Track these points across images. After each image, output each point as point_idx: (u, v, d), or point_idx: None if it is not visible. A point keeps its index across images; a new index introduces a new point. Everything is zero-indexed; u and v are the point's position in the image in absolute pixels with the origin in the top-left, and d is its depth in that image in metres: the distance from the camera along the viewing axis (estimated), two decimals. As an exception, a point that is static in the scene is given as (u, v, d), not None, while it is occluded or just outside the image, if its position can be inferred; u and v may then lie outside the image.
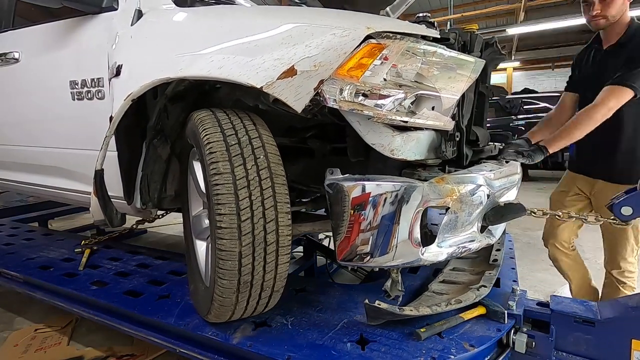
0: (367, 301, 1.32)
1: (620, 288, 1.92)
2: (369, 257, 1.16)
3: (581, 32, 10.02)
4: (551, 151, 1.71)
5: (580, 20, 7.26)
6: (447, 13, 7.58)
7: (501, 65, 12.72)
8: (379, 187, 1.11)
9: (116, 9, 1.67)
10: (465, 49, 1.37)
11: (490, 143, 1.68)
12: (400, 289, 1.36)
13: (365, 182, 1.11)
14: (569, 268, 2.20)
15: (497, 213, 1.36)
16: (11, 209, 3.63)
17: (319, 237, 2.52)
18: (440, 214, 1.20)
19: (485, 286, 1.49)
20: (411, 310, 1.32)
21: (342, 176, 1.14)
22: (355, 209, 1.11)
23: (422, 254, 1.19)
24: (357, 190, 1.11)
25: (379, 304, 1.30)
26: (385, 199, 1.11)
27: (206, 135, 1.19)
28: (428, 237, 1.25)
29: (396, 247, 1.15)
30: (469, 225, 1.29)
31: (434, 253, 1.22)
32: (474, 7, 8.73)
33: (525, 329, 1.37)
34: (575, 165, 1.78)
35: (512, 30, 7.99)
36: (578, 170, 1.91)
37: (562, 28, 8.23)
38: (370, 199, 1.11)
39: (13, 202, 4.05)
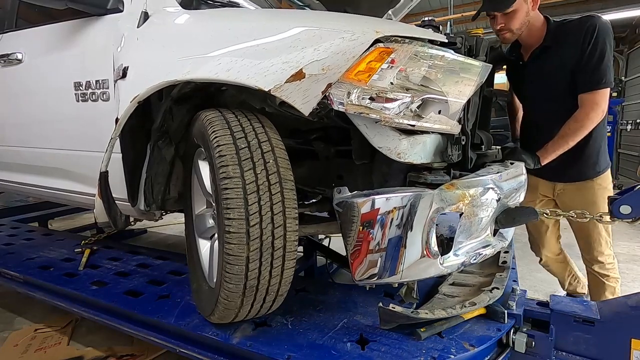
0: (381, 304, 1.31)
1: (605, 281, 1.93)
2: (387, 273, 1.15)
3: (581, 32, 10.01)
4: (544, 162, 1.72)
5: (580, 20, 7.28)
6: (447, 13, 7.56)
7: (501, 65, 12.75)
8: (391, 200, 1.10)
9: (122, 11, 1.66)
10: (471, 53, 1.37)
11: (493, 147, 1.68)
12: (415, 296, 1.35)
13: (375, 197, 1.10)
14: (561, 269, 2.25)
15: (508, 216, 1.35)
16: (11, 209, 3.63)
17: (319, 237, 2.51)
18: (441, 213, 1.19)
19: (497, 288, 1.48)
20: (426, 313, 1.31)
21: (350, 194, 1.13)
22: (364, 225, 1.10)
23: (442, 264, 1.18)
24: (367, 207, 1.09)
25: (394, 307, 1.29)
26: (398, 212, 1.10)
27: (216, 137, 1.18)
28: (444, 245, 1.25)
29: (414, 261, 1.14)
30: (482, 230, 1.29)
31: (452, 261, 1.21)
32: (474, 7, 8.73)
33: (525, 329, 1.37)
34: (533, 170, 1.76)
35: (512, 30, 8.00)
36: (537, 175, 1.90)
37: (562, 28, 8.23)
38: (384, 212, 1.10)
39: (13, 202, 4.05)
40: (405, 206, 1.11)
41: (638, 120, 7.06)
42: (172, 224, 4.08)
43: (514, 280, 1.70)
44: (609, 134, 5.22)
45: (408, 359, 1.18)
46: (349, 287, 1.76)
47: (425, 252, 1.15)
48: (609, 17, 6.87)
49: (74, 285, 1.86)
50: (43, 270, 2.06)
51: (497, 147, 1.71)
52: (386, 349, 1.22)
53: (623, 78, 8.37)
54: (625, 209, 1.41)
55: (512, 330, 1.35)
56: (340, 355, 1.21)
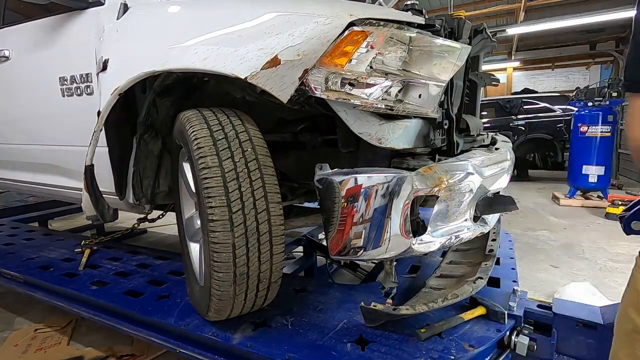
0: (362, 304, 1.32)
1: None
2: (362, 251, 1.16)
3: (581, 32, 10.01)
4: None
5: (580, 20, 7.26)
6: (447, 13, 7.59)
7: (501, 65, 12.70)
8: (369, 179, 1.11)
9: (103, 4, 1.67)
10: (453, 35, 1.36)
11: (482, 132, 1.67)
12: (394, 280, 1.35)
13: (355, 175, 1.11)
14: None
15: (486, 204, 1.36)
16: (11, 209, 3.63)
17: (319, 238, 2.51)
18: (417, 195, 1.18)
19: (481, 278, 1.49)
20: (407, 309, 1.31)
21: (331, 171, 1.15)
22: (348, 201, 1.11)
23: (414, 245, 1.19)
24: (348, 184, 1.11)
25: (375, 306, 1.30)
26: (376, 191, 1.11)
27: (193, 132, 1.20)
28: (420, 227, 1.25)
29: (389, 239, 1.15)
30: (460, 214, 1.29)
31: (426, 243, 1.22)
32: (474, 7, 8.74)
33: (526, 332, 1.36)
34: None
35: (512, 30, 8.01)
36: None
37: (562, 28, 8.24)
38: (361, 191, 1.11)
39: (13, 202, 4.05)
40: (384, 186, 1.11)
41: (638, 121, 7.05)
42: (172, 224, 4.07)
43: (514, 281, 1.69)
44: (608, 134, 5.24)
45: (408, 359, 1.17)
46: (349, 287, 1.76)
47: (401, 232, 1.15)
48: (608, 17, 6.87)
49: (74, 285, 1.85)
50: (43, 270, 2.06)
51: (487, 132, 1.71)
52: (386, 350, 1.22)
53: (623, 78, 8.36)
54: (637, 225, 1.38)
55: (512, 332, 1.34)
56: (341, 356, 1.20)
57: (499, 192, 1.50)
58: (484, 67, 1.91)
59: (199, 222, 1.48)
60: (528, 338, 1.32)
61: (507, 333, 1.33)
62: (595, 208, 5.06)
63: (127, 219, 3.46)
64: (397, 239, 1.16)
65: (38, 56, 1.93)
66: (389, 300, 1.35)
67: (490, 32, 1.61)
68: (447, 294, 1.40)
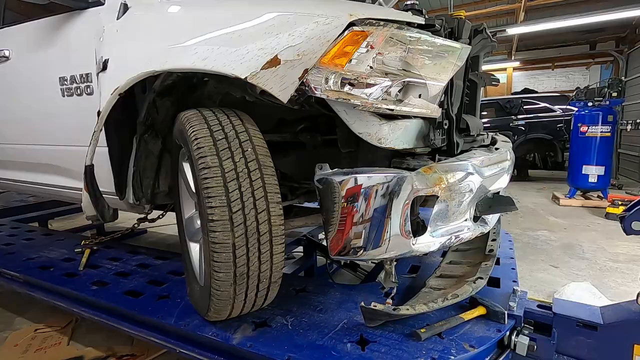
0: (362, 304, 1.32)
1: None
2: (362, 251, 1.16)
3: (581, 32, 10.01)
4: None
5: (580, 20, 7.26)
6: (447, 13, 7.57)
7: (501, 65, 12.69)
8: (369, 179, 1.12)
9: (103, 4, 1.68)
10: (453, 35, 1.36)
11: (482, 132, 1.67)
12: (394, 280, 1.35)
13: (355, 175, 1.12)
14: None
15: (485, 204, 1.37)
16: (11, 209, 3.63)
17: (319, 238, 2.51)
18: (417, 195, 1.19)
19: (481, 278, 1.49)
20: (407, 309, 1.32)
21: (331, 171, 1.15)
22: (348, 201, 1.11)
23: (414, 245, 1.19)
24: (348, 184, 1.11)
25: (375, 306, 1.30)
26: (376, 191, 1.11)
27: (193, 132, 1.20)
28: (420, 227, 1.25)
29: (389, 239, 1.15)
30: (460, 214, 1.29)
31: (426, 243, 1.22)
32: (474, 7, 8.73)
33: (526, 332, 1.36)
34: None
35: (512, 30, 7.99)
36: None
37: (562, 28, 8.23)
38: (361, 191, 1.11)
39: (13, 202, 4.05)
40: (384, 186, 1.11)
41: (638, 120, 7.06)
42: (172, 224, 4.07)
43: (514, 281, 1.69)
44: (608, 134, 5.24)
45: (408, 359, 1.18)
46: (349, 287, 1.76)
47: (401, 232, 1.15)
48: (609, 17, 6.86)
49: (74, 285, 1.85)
50: (43, 270, 2.06)
51: (492, 133, 1.71)
52: (386, 350, 1.22)
53: (623, 78, 8.36)
54: (637, 225, 1.39)
55: (512, 332, 1.34)
56: (341, 356, 1.20)
57: (498, 192, 1.50)
58: (484, 67, 1.91)
59: (199, 222, 1.48)
60: (528, 338, 1.32)
61: (507, 333, 1.33)
62: (595, 208, 5.06)
63: (127, 219, 3.46)
64: (397, 239, 1.16)
65: (38, 56, 1.93)
66: (389, 300, 1.35)
67: (490, 32, 1.61)
68: (447, 294, 1.40)
